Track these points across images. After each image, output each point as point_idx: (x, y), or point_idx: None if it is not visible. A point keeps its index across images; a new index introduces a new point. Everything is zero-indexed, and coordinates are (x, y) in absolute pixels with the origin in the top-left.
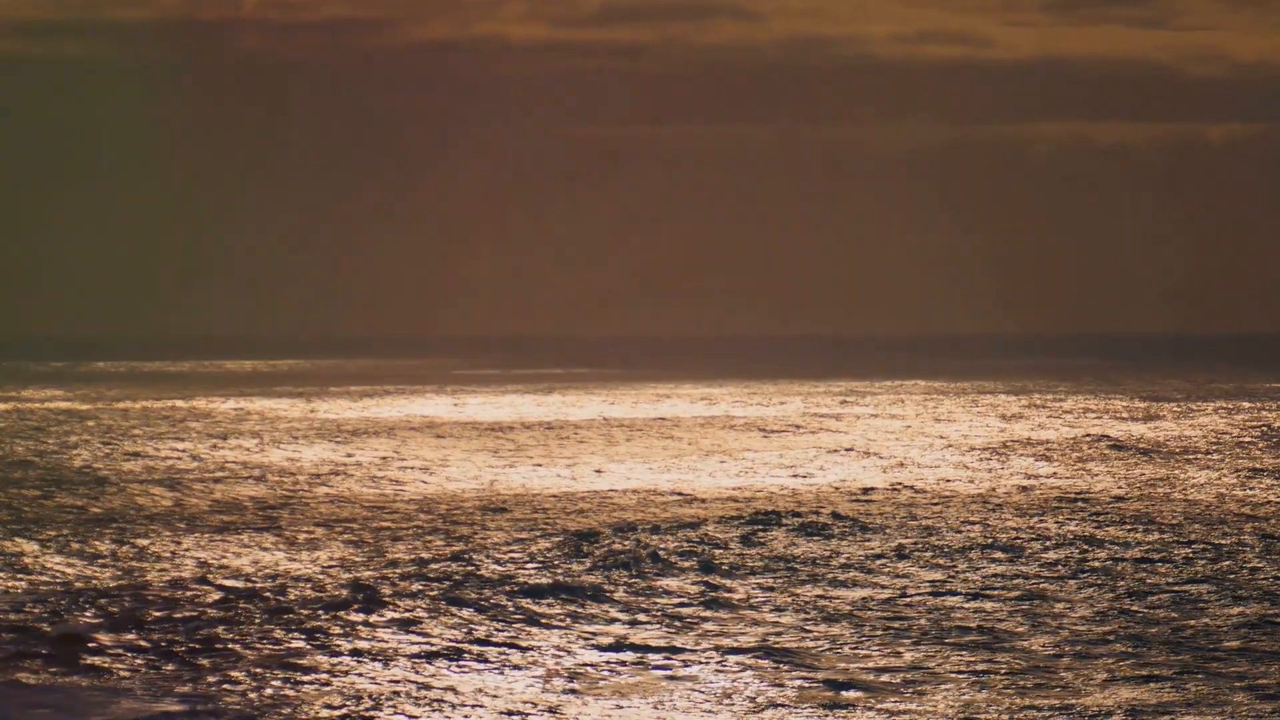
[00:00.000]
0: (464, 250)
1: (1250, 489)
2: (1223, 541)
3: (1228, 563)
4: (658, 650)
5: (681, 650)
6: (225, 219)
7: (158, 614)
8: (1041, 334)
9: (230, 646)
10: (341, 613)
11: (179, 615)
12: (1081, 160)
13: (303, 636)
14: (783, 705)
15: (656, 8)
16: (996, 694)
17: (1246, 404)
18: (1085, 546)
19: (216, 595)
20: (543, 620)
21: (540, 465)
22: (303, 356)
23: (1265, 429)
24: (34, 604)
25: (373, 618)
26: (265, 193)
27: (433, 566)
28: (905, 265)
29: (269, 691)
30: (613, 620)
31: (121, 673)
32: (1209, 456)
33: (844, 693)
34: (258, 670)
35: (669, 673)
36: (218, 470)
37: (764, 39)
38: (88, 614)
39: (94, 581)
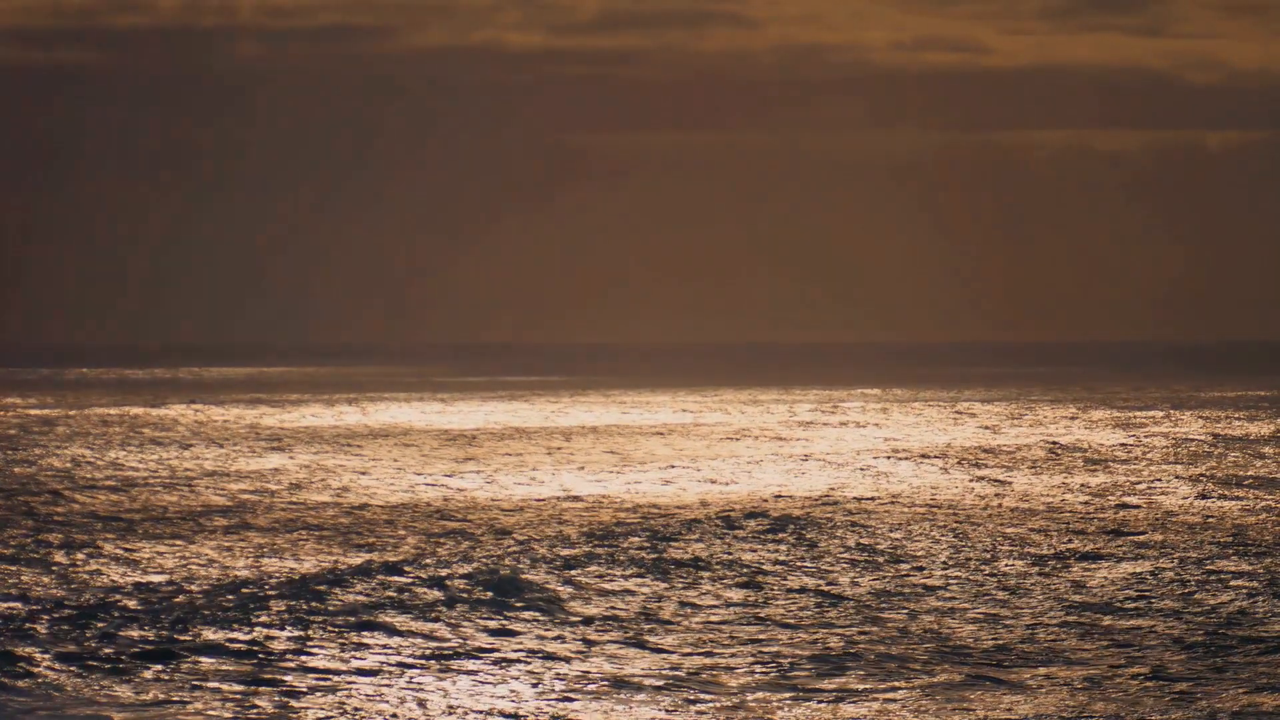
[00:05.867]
0: (455, 256)
1: (1225, 500)
2: (1193, 554)
3: (1199, 574)
4: (635, 657)
5: (663, 657)
6: (217, 225)
7: (112, 625)
8: (1037, 341)
9: (193, 659)
10: (314, 621)
11: (136, 625)
12: (1080, 168)
13: (269, 647)
14: (767, 706)
15: (653, 15)
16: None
17: (1222, 413)
18: (1056, 560)
19: (179, 605)
20: (518, 630)
21: (518, 474)
22: (289, 364)
23: (1233, 439)
24: None
25: (343, 628)
26: (263, 199)
27: (405, 575)
28: (900, 273)
29: (235, 706)
30: (596, 627)
31: (72, 685)
32: (1183, 466)
33: (835, 704)
34: (223, 685)
35: (653, 679)
36: (186, 478)
37: (760, 46)
38: (38, 624)
39: (49, 591)
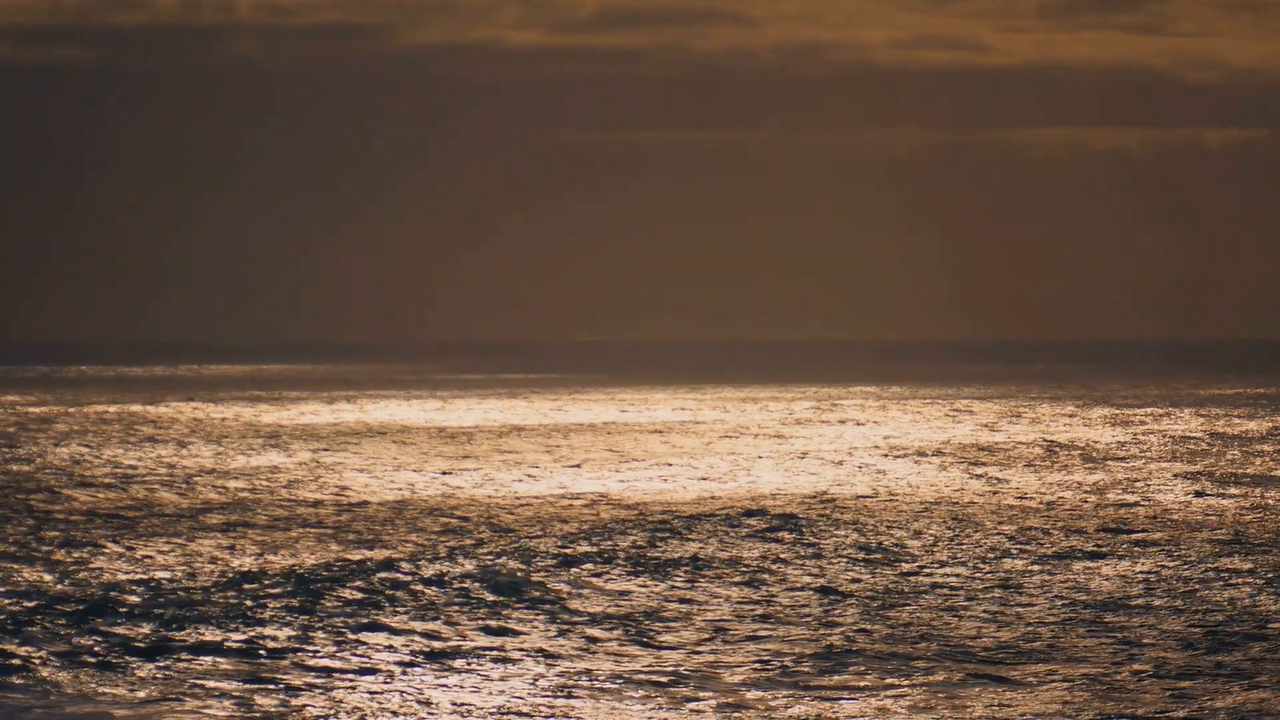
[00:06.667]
0: (453, 254)
1: (1223, 497)
2: (1192, 552)
3: (1189, 573)
4: (636, 654)
5: (664, 654)
6: (216, 223)
7: (110, 622)
8: (1035, 339)
9: (191, 657)
10: (313, 619)
11: (134, 622)
12: (1078, 166)
13: (268, 645)
14: (767, 704)
15: (652, 13)
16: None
17: (1220, 411)
18: (1055, 557)
19: (177, 602)
20: (518, 628)
21: (517, 471)
22: (288, 361)
23: (1231, 436)
24: None
25: (341, 627)
26: (262, 197)
27: (404, 573)
28: (899, 270)
29: (233, 704)
30: (597, 625)
31: (69, 683)
32: (1181, 464)
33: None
34: (221, 683)
35: (654, 676)
36: (185, 475)
37: (760, 44)
38: (36, 622)
39: (47, 588)
